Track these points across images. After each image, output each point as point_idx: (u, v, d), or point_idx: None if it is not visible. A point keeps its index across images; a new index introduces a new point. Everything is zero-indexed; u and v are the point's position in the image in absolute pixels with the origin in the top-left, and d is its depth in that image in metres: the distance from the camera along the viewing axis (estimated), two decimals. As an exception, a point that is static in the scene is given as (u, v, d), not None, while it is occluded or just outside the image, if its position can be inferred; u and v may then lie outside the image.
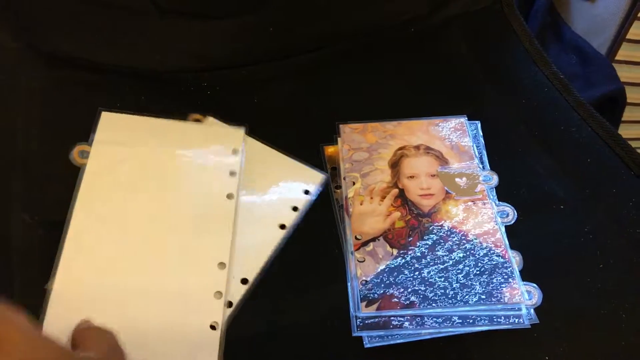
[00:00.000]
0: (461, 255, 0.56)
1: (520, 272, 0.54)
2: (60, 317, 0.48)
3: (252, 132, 0.64)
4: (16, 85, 0.60)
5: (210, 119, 0.66)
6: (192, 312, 0.51)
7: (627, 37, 0.89)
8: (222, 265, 0.54)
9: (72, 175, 0.56)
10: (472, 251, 0.57)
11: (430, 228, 0.59)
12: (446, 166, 0.63)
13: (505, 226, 0.61)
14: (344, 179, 0.62)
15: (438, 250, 0.57)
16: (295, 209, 0.61)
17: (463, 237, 0.59)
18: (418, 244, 0.58)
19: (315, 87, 0.71)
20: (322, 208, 0.59)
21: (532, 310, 0.51)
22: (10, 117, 0.58)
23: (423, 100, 0.70)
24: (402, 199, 0.63)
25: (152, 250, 0.55)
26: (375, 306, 0.53)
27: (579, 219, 0.59)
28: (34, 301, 0.48)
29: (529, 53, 0.75)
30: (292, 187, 0.63)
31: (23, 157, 0.58)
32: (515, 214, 0.61)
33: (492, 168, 0.67)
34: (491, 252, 0.57)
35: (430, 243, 0.58)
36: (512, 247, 0.57)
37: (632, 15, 0.87)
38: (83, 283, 0.52)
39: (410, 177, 0.63)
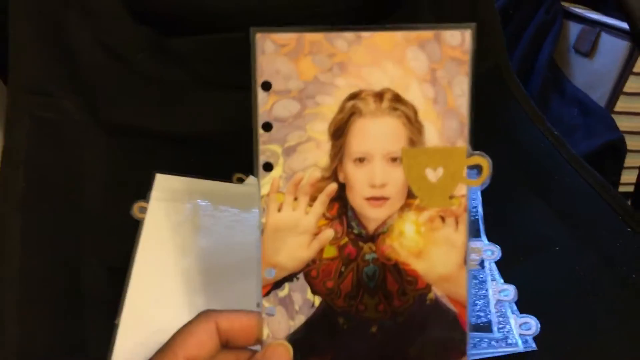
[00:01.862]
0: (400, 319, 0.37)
1: (516, 303, 0.59)
2: (127, 348, 0.54)
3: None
4: (83, 152, 0.67)
5: (251, 177, 0.70)
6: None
7: (624, 90, 0.90)
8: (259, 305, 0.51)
9: (133, 228, 0.62)
10: (420, 313, 0.37)
11: (370, 265, 0.37)
12: (419, 140, 0.35)
13: (500, 264, 0.62)
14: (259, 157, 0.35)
15: (373, 309, 0.37)
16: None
17: (412, 285, 0.37)
18: (349, 292, 0.37)
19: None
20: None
21: (530, 339, 0.57)
22: (78, 179, 0.64)
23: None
24: (341, 204, 0.36)
25: (202, 292, 0.60)
26: None
27: (572, 260, 0.63)
28: (104, 334, 0.53)
29: (527, 112, 0.81)
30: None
31: (91, 213, 0.62)
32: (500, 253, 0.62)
33: (490, 213, 0.66)
34: (448, 316, 0.37)
35: (365, 295, 0.37)
36: (510, 283, 0.61)
37: (627, 70, 0.88)
38: (146, 319, 0.56)
39: (359, 159, 0.35)
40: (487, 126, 0.84)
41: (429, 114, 0.37)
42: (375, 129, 0.36)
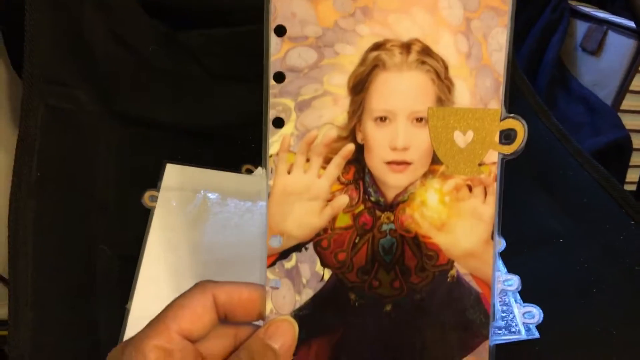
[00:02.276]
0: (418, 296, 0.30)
1: (520, 293, 0.58)
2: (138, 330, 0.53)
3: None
4: (96, 142, 0.66)
5: (260, 169, 0.70)
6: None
7: (630, 88, 0.87)
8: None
9: (144, 216, 0.61)
10: (438, 291, 0.31)
11: (387, 236, 0.31)
12: (447, 99, 0.29)
13: (504, 255, 0.60)
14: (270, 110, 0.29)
15: (388, 285, 0.31)
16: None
17: (433, 260, 0.31)
18: (363, 266, 0.30)
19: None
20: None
21: (533, 327, 0.56)
22: (91, 168, 0.64)
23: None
24: (358, 168, 0.30)
25: (209, 277, 0.64)
26: None
27: (576, 251, 0.61)
28: (116, 318, 0.53)
29: (532, 107, 0.78)
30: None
31: (103, 201, 0.61)
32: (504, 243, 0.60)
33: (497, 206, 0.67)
34: (471, 296, 0.31)
35: (381, 271, 0.30)
36: (514, 273, 0.59)
37: (633, 69, 0.85)
38: (156, 304, 0.47)
39: (382, 118, 0.29)
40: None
41: (460, 70, 0.30)
42: (399, 85, 0.30)
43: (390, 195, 0.31)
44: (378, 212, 0.31)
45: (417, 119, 0.30)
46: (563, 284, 0.60)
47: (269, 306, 0.31)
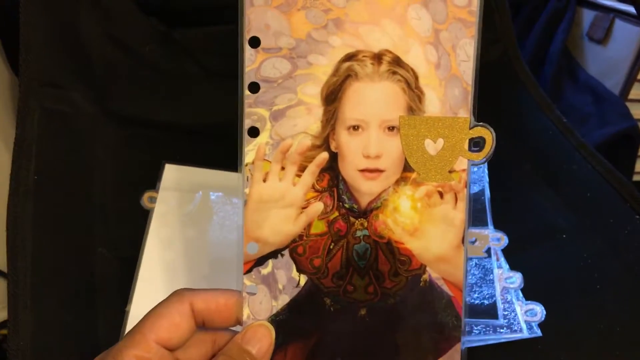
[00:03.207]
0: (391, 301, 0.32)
1: (522, 290, 0.58)
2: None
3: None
4: (93, 143, 0.67)
5: None
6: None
7: (638, 77, 0.86)
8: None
9: (143, 217, 0.62)
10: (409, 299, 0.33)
11: (361, 242, 0.32)
12: (418, 108, 0.31)
13: (507, 251, 0.60)
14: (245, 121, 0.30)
15: (362, 290, 0.33)
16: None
17: (406, 265, 0.33)
18: (338, 272, 0.32)
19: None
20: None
21: (535, 325, 0.56)
22: (89, 171, 0.65)
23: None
24: (332, 175, 0.32)
25: (210, 281, 0.61)
26: None
27: (579, 247, 0.62)
28: (115, 321, 0.53)
29: (535, 100, 0.78)
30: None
31: (101, 203, 0.62)
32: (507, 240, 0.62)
33: (497, 201, 0.64)
34: (442, 299, 0.32)
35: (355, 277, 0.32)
36: (516, 270, 0.60)
37: None
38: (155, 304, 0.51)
39: (354, 127, 0.31)
40: (495, 114, 0.83)
41: (430, 80, 0.32)
42: (371, 95, 0.32)
43: (364, 202, 0.33)
44: (352, 219, 0.33)
45: (389, 128, 0.32)
46: (566, 281, 0.61)
47: (246, 312, 0.32)
